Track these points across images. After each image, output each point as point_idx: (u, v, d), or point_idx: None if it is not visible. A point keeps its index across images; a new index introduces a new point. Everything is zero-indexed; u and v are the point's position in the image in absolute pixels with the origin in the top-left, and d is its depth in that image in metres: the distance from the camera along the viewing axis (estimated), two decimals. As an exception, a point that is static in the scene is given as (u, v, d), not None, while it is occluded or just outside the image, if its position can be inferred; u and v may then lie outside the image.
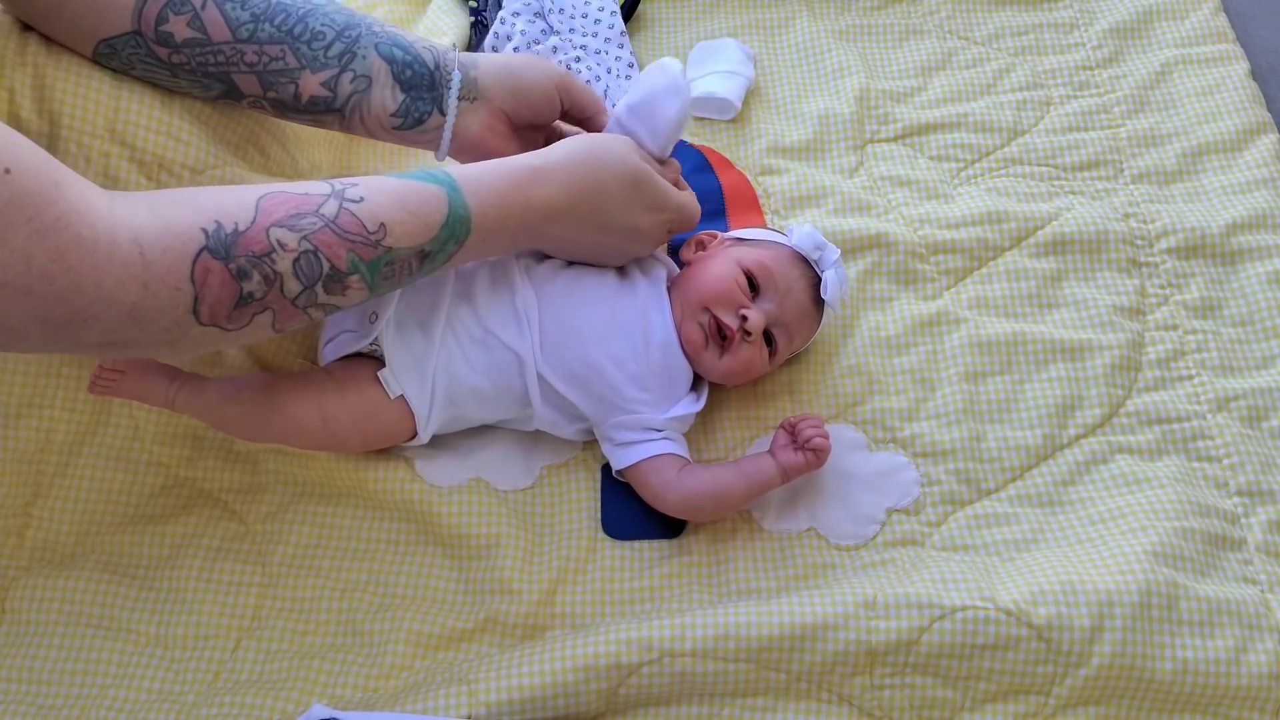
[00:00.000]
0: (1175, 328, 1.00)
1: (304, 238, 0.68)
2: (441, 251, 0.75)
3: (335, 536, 0.87)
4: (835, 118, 1.12)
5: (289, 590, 0.86)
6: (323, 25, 0.81)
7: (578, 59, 1.11)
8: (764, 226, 1.04)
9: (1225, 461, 0.92)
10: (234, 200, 0.67)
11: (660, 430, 0.88)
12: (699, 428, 0.93)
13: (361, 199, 0.70)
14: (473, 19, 1.16)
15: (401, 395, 0.84)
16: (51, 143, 0.78)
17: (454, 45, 0.88)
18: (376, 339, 0.85)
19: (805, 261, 0.91)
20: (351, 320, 0.86)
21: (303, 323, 0.71)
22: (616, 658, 0.77)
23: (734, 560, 0.87)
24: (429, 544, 0.87)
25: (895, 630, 0.78)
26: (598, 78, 1.11)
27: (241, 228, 0.66)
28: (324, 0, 0.82)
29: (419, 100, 0.84)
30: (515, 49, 1.11)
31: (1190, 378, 0.97)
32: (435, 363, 0.85)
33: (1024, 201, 1.06)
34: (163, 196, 0.67)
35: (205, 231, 0.65)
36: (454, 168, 0.77)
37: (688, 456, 0.88)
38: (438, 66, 0.84)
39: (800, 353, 0.96)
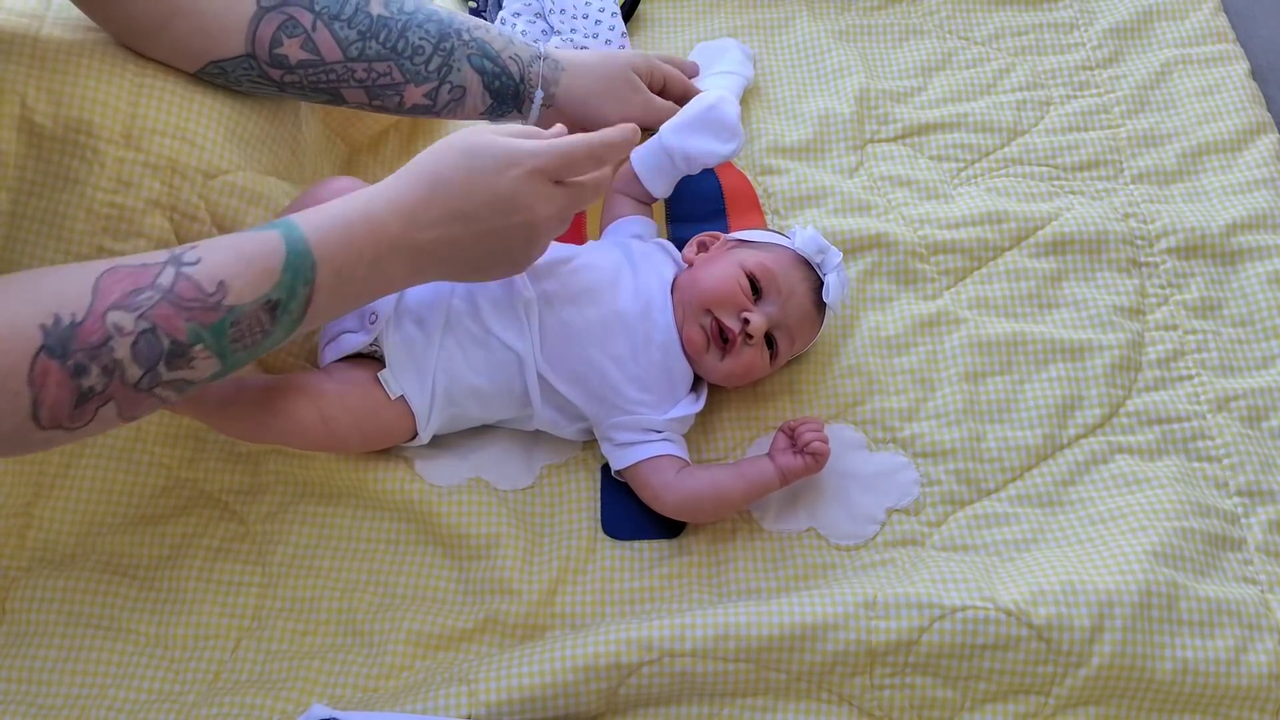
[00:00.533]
0: (1175, 328, 1.00)
1: (140, 316, 0.64)
2: (292, 298, 0.69)
3: (335, 536, 0.87)
4: (835, 118, 1.11)
5: (289, 590, 0.86)
6: (420, 39, 0.85)
7: (578, 59, 1.11)
8: (764, 227, 1.04)
9: (1225, 461, 0.92)
10: (74, 285, 0.64)
11: (660, 431, 0.88)
12: (699, 428, 0.93)
13: (199, 260, 0.67)
14: (473, 19, 1.16)
15: (401, 395, 0.84)
16: (67, 149, 0.78)
17: (538, 55, 0.94)
18: (376, 339, 0.85)
19: (807, 264, 0.91)
20: (351, 321, 0.86)
21: (153, 407, 0.68)
22: (616, 658, 0.77)
23: (734, 560, 0.87)
24: (429, 544, 0.87)
25: (895, 630, 0.78)
26: (598, 78, 1.11)
27: (79, 317, 0.63)
28: (414, 7, 0.86)
29: (503, 104, 0.93)
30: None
31: (1190, 378, 0.97)
32: (435, 363, 0.85)
33: (1024, 201, 1.06)
34: (10, 286, 0.64)
35: (44, 329, 0.62)
36: (294, 215, 0.72)
37: (687, 458, 0.88)
38: (522, 80, 0.92)
39: (801, 354, 0.96)
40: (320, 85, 0.85)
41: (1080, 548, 0.86)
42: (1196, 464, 0.92)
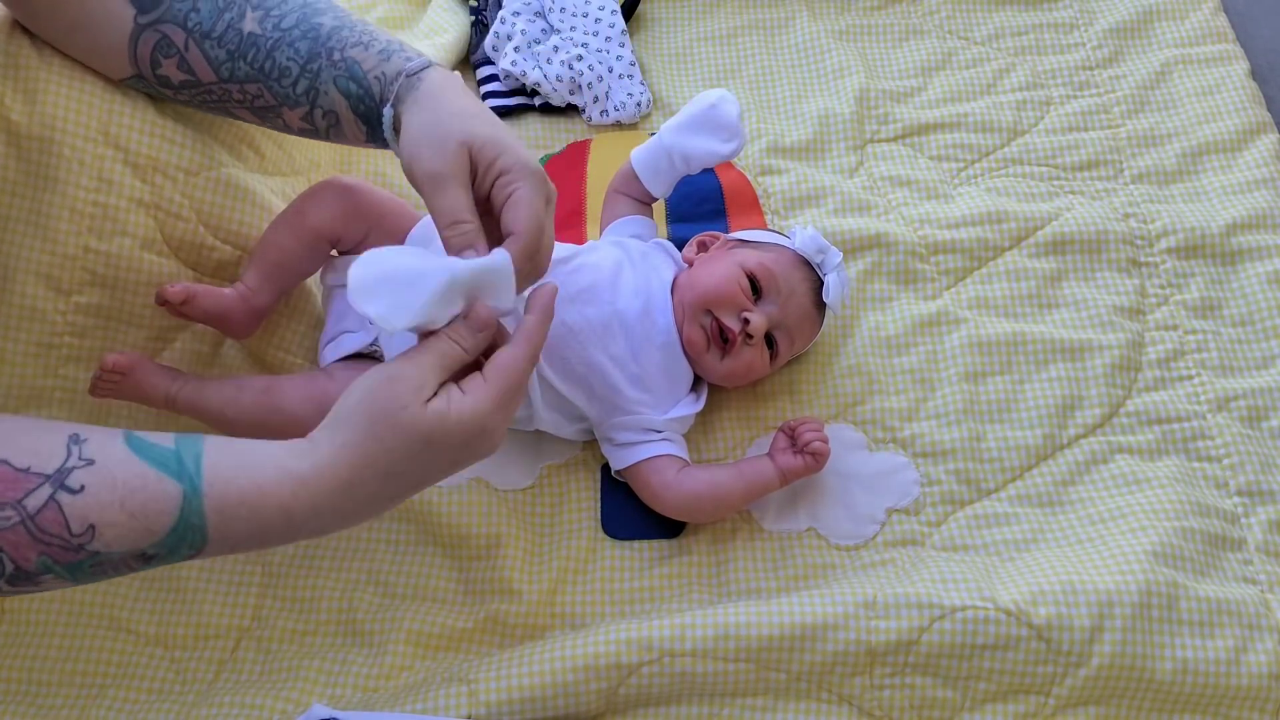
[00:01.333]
0: (1175, 328, 1.00)
1: None
2: (172, 554, 0.62)
3: (335, 536, 0.87)
4: (835, 118, 1.12)
5: (289, 590, 0.86)
6: (288, 59, 0.77)
7: (579, 57, 1.11)
8: (764, 227, 1.04)
9: (1225, 461, 0.92)
10: None
11: (660, 431, 0.88)
12: (699, 428, 0.93)
13: (82, 488, 0.59)
14: (473, 18, 1.16)
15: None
16: (45, 147, 0.78)
17: (402, 71, 0.76)
18: (376, 339, 0.85)
19: (807, 264, 0.91)
20: (351, 320, 0.86)
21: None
22: (616, 658, 0.77)
23: (734, 560, 0.87)
24: (429, 544, 0.87)
25: (895, 630, 0.78)
26: (600, 77, 1.11)
27: None
28: (293, 23, 0.77)
29: (375, 131, 0.78)
30: (515, 48, 1.11)
31: (1190, 378, 0.97)
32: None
33: (1024, 201, 1.06)
34: None
35: None
36: (210, 459, 0.62)
37: (687, 458, 0.88)
38: (381, 100, 0.76)
39: (801, 354, 0.96)
40: (210, 105, 0.80)
41: (1080, 548, 0.86)
42: (1196, 464, 0.92)
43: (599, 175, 1.06)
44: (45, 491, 0.59)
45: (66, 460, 0.60)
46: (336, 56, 0.76)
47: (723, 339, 0.87)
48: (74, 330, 0.80)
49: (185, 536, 0.61)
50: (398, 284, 0.61)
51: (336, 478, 0.63)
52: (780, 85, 1.16)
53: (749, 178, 1.08)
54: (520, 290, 0.68)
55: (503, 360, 0.66)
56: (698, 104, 0.94)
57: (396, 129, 0.74)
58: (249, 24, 0.77)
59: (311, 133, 0.80)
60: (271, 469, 0.63)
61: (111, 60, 0.78)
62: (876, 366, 0.97)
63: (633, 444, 0.87)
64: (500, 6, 1.15)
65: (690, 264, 0.93)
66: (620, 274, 0.90)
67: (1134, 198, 1.07)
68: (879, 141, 1.12)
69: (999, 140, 1.11)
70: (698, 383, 0.92)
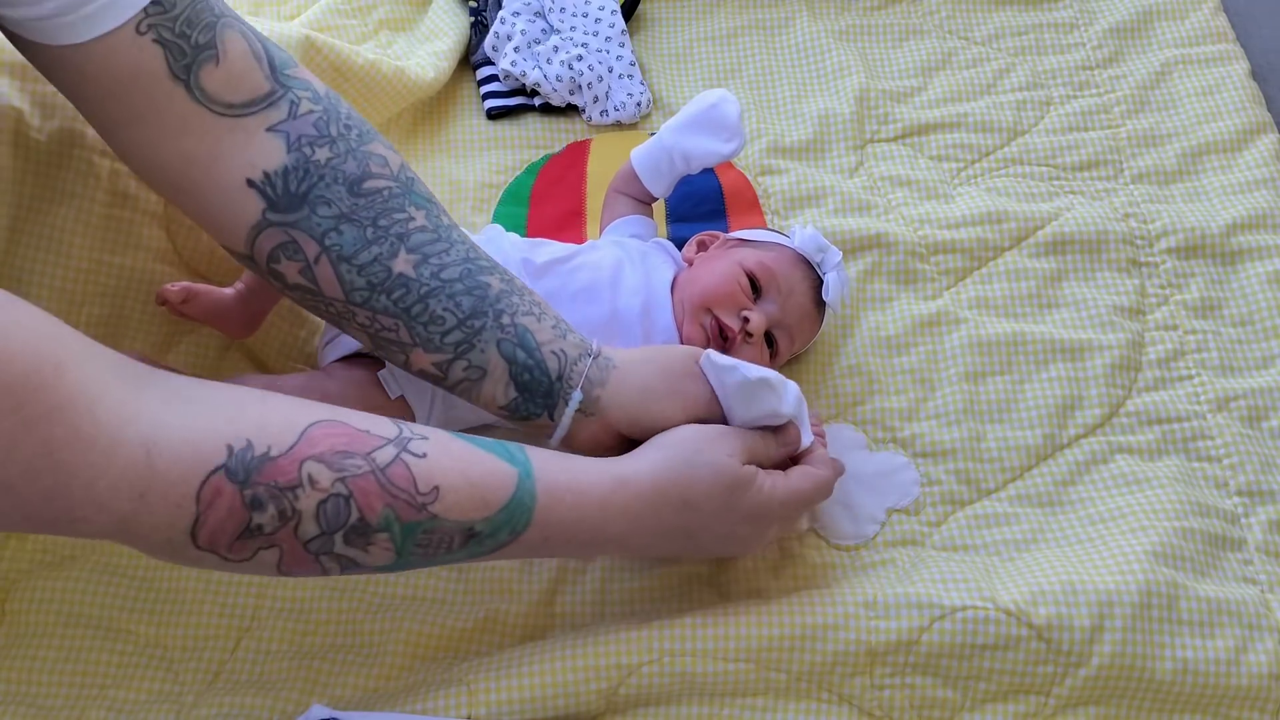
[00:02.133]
0: (1175, 328, 1.00)
1: (341, 479, 0.60)
2: (492, 537, 0.66)
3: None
4: (835, 118, 1.11)
5: (287, 591, 0.85)
6: (445, 309, 0.73)
7: (579, 57, 1.11)
8: (764, 226, 1.04)
9: (1225, 461, 0.92)
10: (280, 420, 0.61)
11: None
12: (699, 427, 0.93)
13: (424, 455, 0.63)
14: (473, 19, 1.16)
15: (401, 395, 0.84)
16: (60, 161, 0.77)
17: (588, 353, 0.77)
18: (376, 339, 0.85)
19: (807, 263, 0.91)
20: (351, 320, 0.86)
21: (311, 571, 0.64)
22: (616, 658, 0.77)
23: (734, 560, 0.87)
24: (429, 544, 0.87)
25: (895, 630, 0.78)
26: (600, 77, 1.11)
27: (274, 453, 0.59)
28: (456, 275, 0.74)
29: (531, 402, 0.76)
30: (515, 48, 1.11)
31: (1190, 378, 0.97)
32: (435, 362, 0.85)
33: (1024, 201, 1.06)
34: (204, 393, 0.61)
35: (230, 448, 0.58)
36: (534, 452, 0.69)
37: None
38: (560, 379, 0.75)
39: (801, 353, 0.96)
40: (319, 312, 0.77)
41: (1080, 548, 0.86)
42: (1196, 464, 0.92)
43: (599, 175, 1.06)
44: (391, 450, 0.62)
45: (401, 431, 0.64)
46: (505, 321, 0.74)
47: (722, 338, 0.87)
48: None
49: (514, 515, 0.66)
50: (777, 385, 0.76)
51: (654, 486, 0.70)
52: (780, 85, 1.16)
53: (749, 178, 1.08)
54: None
55: (813, 473, 0.77)
56: (698, 104, 0.94)
57: (586, 411, 0.76)
58: (401, 264, 0.73)
59: (435, 379, 0.77)
60: (593, 467, 0.70)
61: (226, 234, 0.73)
62: (876, 366, 0.97)
63: None
64: (500, 6, 1.15)
65: (690, 263, 0.93)
66: (620, 273, 0.90)
67: (1134, 198, 1.07)
68: (879, 141, 1.12)
69: (999, 140, 1.11)
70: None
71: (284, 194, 0.71)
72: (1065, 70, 1.17)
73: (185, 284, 0.81)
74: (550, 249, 0.92)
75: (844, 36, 1.20)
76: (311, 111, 0.72)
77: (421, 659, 0.83)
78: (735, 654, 0.78)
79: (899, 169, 1.09)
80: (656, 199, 0.98)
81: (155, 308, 0.82)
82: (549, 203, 1.05)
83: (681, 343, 0.88)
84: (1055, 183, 1.09)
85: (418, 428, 0.65)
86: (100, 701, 0.80)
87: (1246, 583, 0.85)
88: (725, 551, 0.78)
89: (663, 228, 1.04)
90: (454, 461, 0.64)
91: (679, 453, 0.72)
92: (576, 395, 0.75)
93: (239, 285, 0.84)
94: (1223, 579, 0.85)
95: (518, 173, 1.08)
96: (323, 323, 0.90)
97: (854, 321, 0.99)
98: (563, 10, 1.15)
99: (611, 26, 1.15)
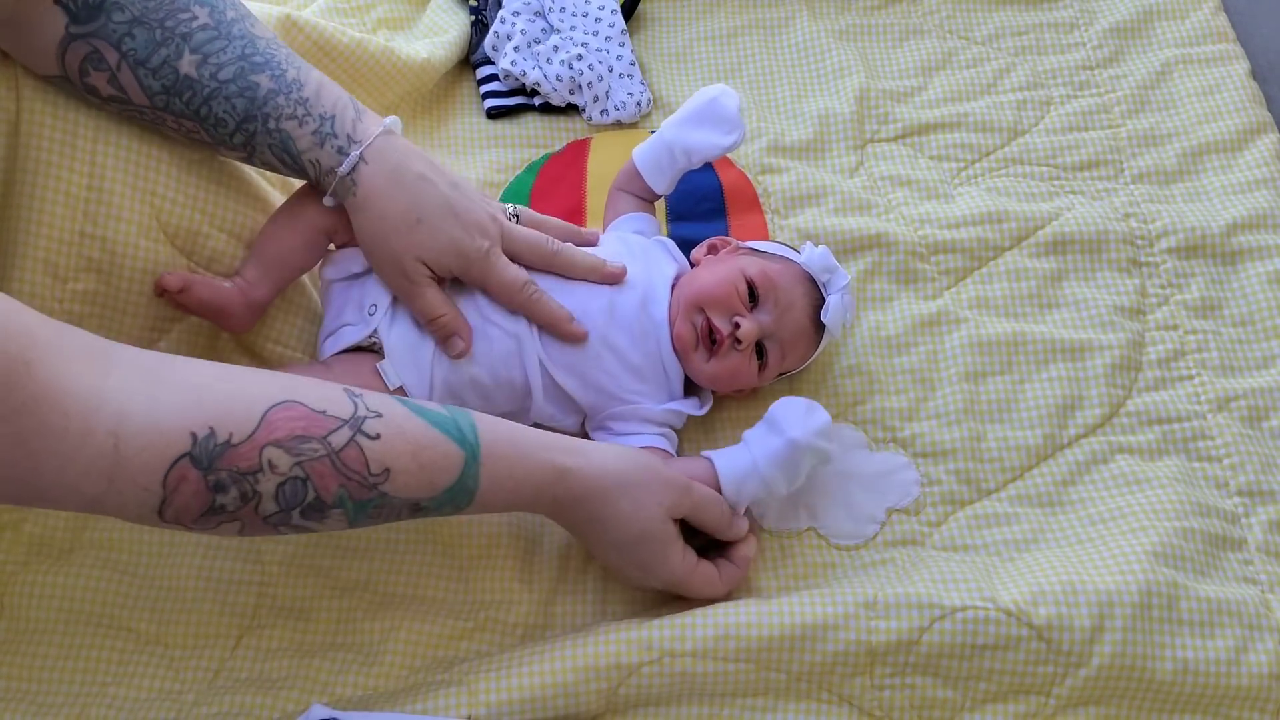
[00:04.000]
0: (1175, 328, 1.00)
1: (298, 463, 0.64)
2: (436, 510, 0.72)
3: (334, 535, 0.87)
4: (835, 117, 1.11)
5: (288, 590, 0.85)
6: (225, 112, 0.78)
7: (579, 57, 1.11)
8: (764, 226, 1.04)
9: (1225, 461, 0.92)
10: (242, 407, 0.63)
11: (656, 423, 0.87)
12: (699, 427, 0.93)
13: (378, 436, 0.67)
14: (473, 18, 1.16)
15: (400, 388, 0.84)
16: (39, 131, 0.77)
17: (335, 169, 0.81)
18: (375, 331, 0.85)
19: (812, 282, 0.91)
20: (350, 313, 0.86)
21: (269, 534, 0.69)
22: (616, 658, 0.77)
23: (734, 560, 0.87)
24: (427, 544, 0.87)
25: (895, 630, 0.78)
26: (600, 77, 1.11)
27: (235, 440, 0.62)
28: (230, 76, 0.77)
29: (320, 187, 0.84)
30: (515, 48, 1.11)
31: (1190, 378, 0.97)
32: (434, 354, 0.85)
33: (1024, 201, 1.06)
34: (171, 376, 0.63)
35: (194, 436, 0.61)
36: (485, 431, 0.73)
37: (672, 451, 0.88)
38: (317, 184, 0.82)
39: (795, 373, 0.95)
40: (140, 121, 0.80)
41: (1080, 548, 0.86)
42: (1197, 464, 0.92)
43: (599, 174, 1.06)
44: (346, 433, 0.66)
45: (356, 410, 0.67)
46: (271, 125, 0.79)
47: (711, 340, 0.86)
48: (71, 317, 0.80)
49: (457, 496, 0.71)
50: None
51: (584, 493, 0.76)
52: (780, 85, 1.16)
53: (749, 177, 1.08)
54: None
55: (729, 572, 0.83)
56: (698, 99, 0.94)
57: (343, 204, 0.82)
58: (185, 66, 0.77)
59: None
60: (541, 452, 0.74)
61: (38, 59, 0.76)
62: (876, 366, 0.97)
63: (624, 434, 0.87)
64: (500, 6, 1.15)
65: (697, 265, 0.93)
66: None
67: (1134, 198, 1.07)
68: (879, 141, 1.12)
69: (999, 140, 1.11)
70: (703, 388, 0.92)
71: (83, 5, 0.73)
72: (1065, 70, 1.17)
73: (183, 274, 0.81)
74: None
75: (844, 36, 1.20)
76: None
77: (421, 659, 0.83)
78: (735, 654, 0.78)
79: (899, 169, 1.09)
80: (659, 196, 0.98)
81: (148, 290, 0.82)
82: (549, 201, 1.05)
83: (671, 339, 0.88)
84: (1055, 183, 1.09)
85: (374, 402, 0.69)
86: (101, 699, 0.80)
87: (1247, 583, 0.85)
88: (612, 565, 0.82)
89: (663, 227, 1.04)
90: (405, 444, 0.68)
91: (623, 476, 0.77)
92: (329, 200, 0.82)
93: (239, 279, 0.84)
94: (1223, 579, 0.85)
95: (518, 171, 1.08)
96: (322, 315, 0.90)
97: (854, 321, 0.99)
98: (563, 10, 1.15)
99: (611, 26, 1.15)
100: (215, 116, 0.78)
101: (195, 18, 0.77)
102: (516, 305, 0.84)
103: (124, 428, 0.59)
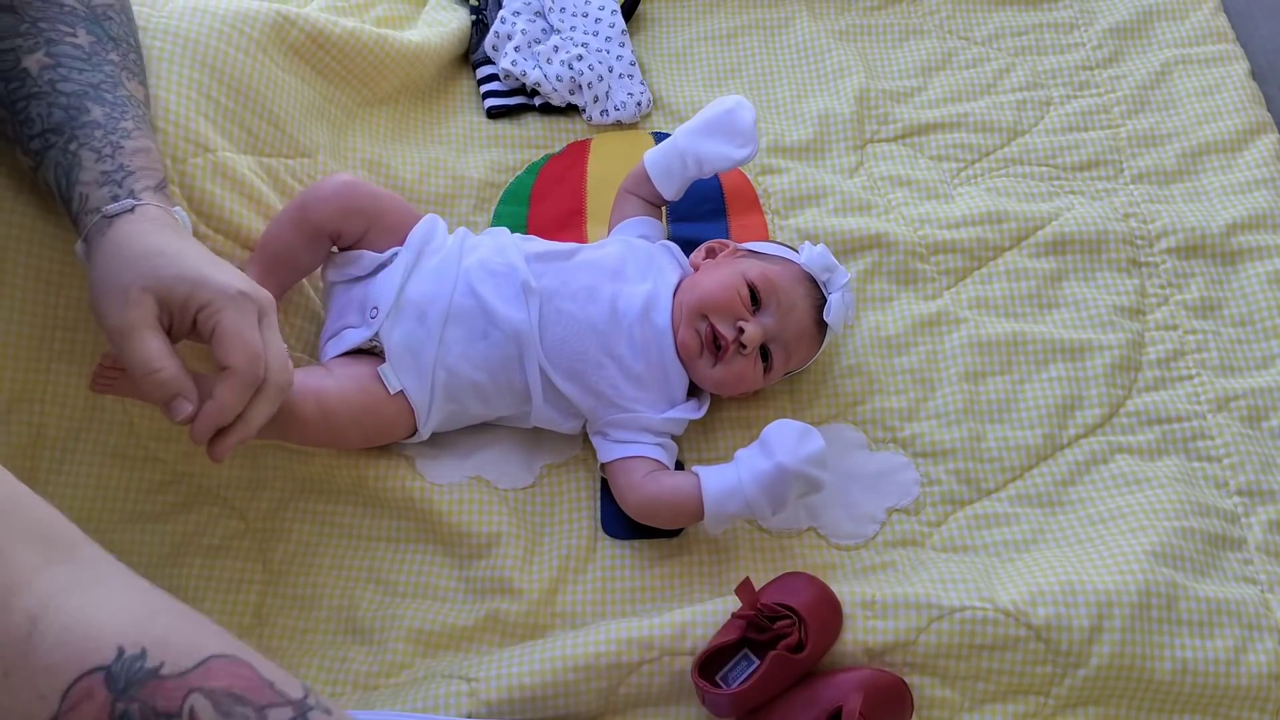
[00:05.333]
0: (1175, 328, 1.00)
1: None
2: None
3: (336, 534, 0.87)
4: (835, 118, 1.11)
5: (290, 587, 0.85)
6: (37, 114, 0.73)
7: (579, 57, 1.11)
8: (764, 226, 1.04)
9: (1225, 461, 0.92)
10: (187, 641, 0.54)
11: (654, 432, 0.87)
12: (699, 428, 0.93)
13: None
14: (474, 17, 1.16)
15: (401, 391, 0.84)
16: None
17: (99, 210, 0.71)
18: (377, 334, 0.85)
19: (812, 281, 0.91)
20: (352, 315, 0.86)
21: None
22: (616, 657, 0.77)
23: (734, 559, 0.87)
24: (429, 542, 0.87)
25: (894, 630, 0.78)
26: (600, 77, 1.11)
27: (165, 671, 0.52)
28: (69, 91, 0.73)
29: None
30: (515, 47, 1.11)
31: (1190, 378, 0.97)
32: (435, 357, 0.85)
33: (1024, 201, 1.06)
34: (130, 585, 0.56)
35: (121, 650, 0.51)
36: None
37: (669, 464, 0.88)
38: (75, 220, 0.73)
39: (798, 372, 0.95)
40: None
41: (1080, 548, 0.86)
42: (1196, 464, 0.92)
43: (599, 174, 1.06)
44: (288, 713, 0.54)
45: (306, 698, 0.56)
46: (72, 147, 0.73)
47: (716, 346, 0.86)
48: (65, 325, 0.80)
49: None
50: None
51: None
52: (780, 85, 1.16)
53: (749, 177, 1.08)
54: (257, 402, 0.70)
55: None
56: (714, 108, 0.94)
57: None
58: (30, 62, 0.73)
59: (30, 170, 0.76)
60: None
61: None
62: (876, 366, 0.97)
63: (620, 442, 0.87)
64: (500, 6, 1.15)
65: (696, 269, 0.93)
66: (623, 273, 0.90)
67: (1134, 198, 1.07)
68: (879, 141, 1.12)
69: (999, 140, 1.11)
70: (701, 389, 0.92)
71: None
72: (1065, 70, 1.17)
73: None
74: (553, 245, 0.92)
75: (844, 36, 1.20)
76: None
77: (422, 656, 0.83)
78: (735, 653, 0.78)
79: (899, 169, 1.09)
80: (667, 201, 0.98)
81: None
82: (549, 202, 1.05)
83: (676, 347, 0.88)
84: (1055, 183, 1.09)
85: (326, 701, 0.58)
86: (100, 700, 0.80)
87: (1246, 582, 0.85)
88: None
89: (663, 226, 1.04)
90: None
91: None
92: (80, 247, 0.72)
93: None
94: (1223, 579, 0.85)
95: (518, 172, 1.08)
96: (322, 316, 0.90)
97: (854, 321, 0.99)
98: (563, 10, 1.15)
99: (611, 26, 1.15)
100: (27, 115, 0.73)
101: (73, 35, 0.75)
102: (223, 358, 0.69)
103: (47, 616, 0.50)
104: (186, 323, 0.69)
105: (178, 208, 0.75)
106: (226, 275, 0.70)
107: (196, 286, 0.68)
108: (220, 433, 0.69)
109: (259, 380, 0.69)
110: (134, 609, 0.54)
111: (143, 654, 0.52)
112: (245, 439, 0.70)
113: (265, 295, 0.72)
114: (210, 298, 0.68)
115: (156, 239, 0.70)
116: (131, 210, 0.71)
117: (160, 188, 0.74)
